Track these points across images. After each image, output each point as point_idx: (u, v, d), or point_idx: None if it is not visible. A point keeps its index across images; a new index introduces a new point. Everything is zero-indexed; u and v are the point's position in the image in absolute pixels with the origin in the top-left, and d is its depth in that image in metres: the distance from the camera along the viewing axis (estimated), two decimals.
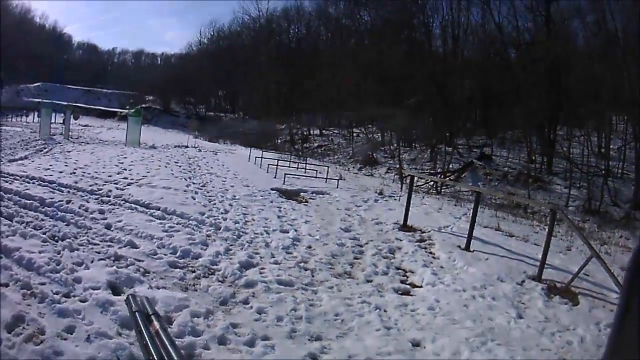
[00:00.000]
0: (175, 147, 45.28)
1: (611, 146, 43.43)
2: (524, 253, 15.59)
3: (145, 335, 2.45)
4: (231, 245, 12.30)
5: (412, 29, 56.02)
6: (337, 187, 26.74)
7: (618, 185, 38.93)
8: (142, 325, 2.54)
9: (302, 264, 11.60)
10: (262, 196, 20.87)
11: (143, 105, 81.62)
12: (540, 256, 13.48)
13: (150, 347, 2.36)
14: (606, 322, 10.55)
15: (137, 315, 2.61)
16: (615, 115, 46.13)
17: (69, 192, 15.85)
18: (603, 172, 38.32)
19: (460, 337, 8.58)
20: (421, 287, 11.36)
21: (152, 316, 2.55)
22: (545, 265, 13.43)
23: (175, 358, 2.28)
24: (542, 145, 43.47)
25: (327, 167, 33.91)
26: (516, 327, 9.51)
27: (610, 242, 23.34)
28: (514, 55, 53.64)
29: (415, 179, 25.24)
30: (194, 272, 9.97)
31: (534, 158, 43.20)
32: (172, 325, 7.25)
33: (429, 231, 17.04)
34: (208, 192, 19.67)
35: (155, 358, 2.29)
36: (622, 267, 17.51)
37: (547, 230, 14.61)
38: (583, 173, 38.17)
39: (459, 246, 15.20)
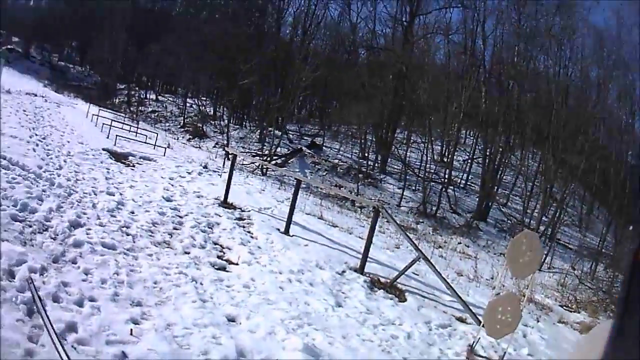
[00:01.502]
0: (27, 94, 43.73)
1: (457, 157, 45.56)
2: (346, 244, 15.95)
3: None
4: (62, 202, 12.09)
5: (264, 13, 55.97)
6: (164, 155, 26.81)
7: (460, 194, 40.45)
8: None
9: (124, 229, 11.55)
10: (93, 155, 20.71)
11: (9, 47, 78.48)
12: (363, 249, 13.70)
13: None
14: (438, 322, 11.00)
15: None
16: (465, 130, 48.27)
17: None
18: (444, 180, 39.61)
19: (275, 318, 8.77)
20: (237, 264, 11.49)
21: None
22: (370, 260, 13.75)
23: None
24: (377, 145, 44.33)
25: (157, 134, 33.82)
26: (334, 315, 9.74)
27: (446, 246, 24.17)
28: (363, 56, 54.81)
29: (240, 157, 25.49)
30: (30, 226, 9.78)
31: (366, 155, 43.96)
32: (14, 279, 7.19)
33: (249, 210, 17.32)
34: (47, 146, 19.28)
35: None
36: (458, 271, 18.31)
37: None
38: (419, 177, 39.21)
39: (278, 229, 15.45)
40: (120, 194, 14.99)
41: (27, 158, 15.38)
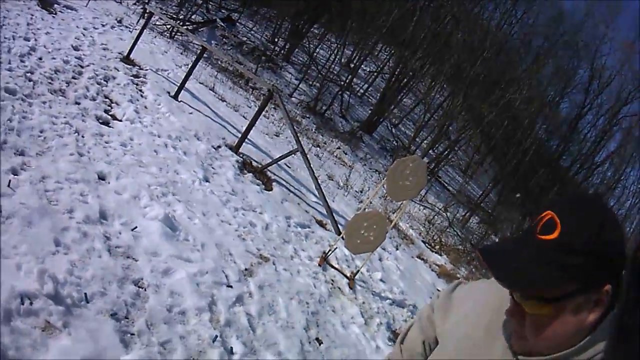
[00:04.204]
0: None
1: (365, 67, 45.97)
2: (229, 120, 16.42)
3: None
4: None
5: None
6: (87, 6, 25.31)
7: (354, 102, 40.45)
8: None
9: (28, 74, 11.23)
10: (23, 2, 19.41)
11: None
12: (244, 129, 14.13)
13: None
14: (297, 221, 11.41)
15: None
16: (382, 44, 48.77)
17: None
18: (343, 83, 39.33)
19: (143, 182, 8.80)
20: (121, 121, 11.43)
21: None
22: (247, 142, 14.26)
23: None
24: (290, 33, 43.79)
25: None
26: (200, 189, 9.92)
27: (325, 147, 24.45)
28: None
29: (156, 17, 25.24)
30: None
31: (276, 41, 43.37)
32: None
33: (147, 69, 17.39)
34: None
35: None
36: (330, 175, 18.72)
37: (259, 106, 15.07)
38: (320, 74, 38.87)
39: (169, 92, 15.67)
40: (35, 40, 14.58)
41: None
